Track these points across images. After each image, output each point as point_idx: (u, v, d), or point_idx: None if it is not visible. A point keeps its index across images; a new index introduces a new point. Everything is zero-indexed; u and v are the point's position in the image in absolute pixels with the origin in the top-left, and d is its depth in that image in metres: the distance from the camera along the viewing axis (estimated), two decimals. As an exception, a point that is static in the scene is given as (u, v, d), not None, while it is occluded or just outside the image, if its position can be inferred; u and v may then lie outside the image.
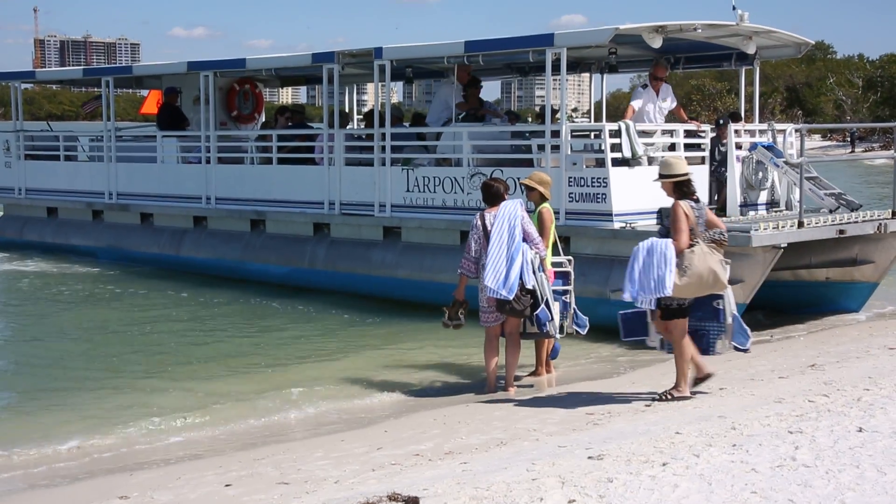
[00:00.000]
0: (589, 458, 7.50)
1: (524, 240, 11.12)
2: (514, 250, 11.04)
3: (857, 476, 6.50)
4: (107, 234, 22.92)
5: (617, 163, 14.76)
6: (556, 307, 11.25)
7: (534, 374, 12.18)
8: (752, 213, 15.65)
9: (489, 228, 11.18)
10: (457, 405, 11.11)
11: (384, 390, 11.97)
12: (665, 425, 8.67)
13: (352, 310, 16.70)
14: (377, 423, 10.52)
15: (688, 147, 15.76)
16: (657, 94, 16.22)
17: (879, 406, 8.53)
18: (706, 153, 15.89)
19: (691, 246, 9.89)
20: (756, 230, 13.55)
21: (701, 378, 10.39)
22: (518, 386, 11.68)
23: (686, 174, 10.29)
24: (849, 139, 71.47)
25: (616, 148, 14.83)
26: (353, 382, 12.33)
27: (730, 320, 10.31)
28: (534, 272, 11.06)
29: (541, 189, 11.77)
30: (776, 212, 15.82)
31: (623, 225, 14.33)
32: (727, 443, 7.58)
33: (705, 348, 10.46)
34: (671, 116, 16.68)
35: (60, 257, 23.00)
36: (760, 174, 15.86)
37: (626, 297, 10.03)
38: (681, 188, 10.20)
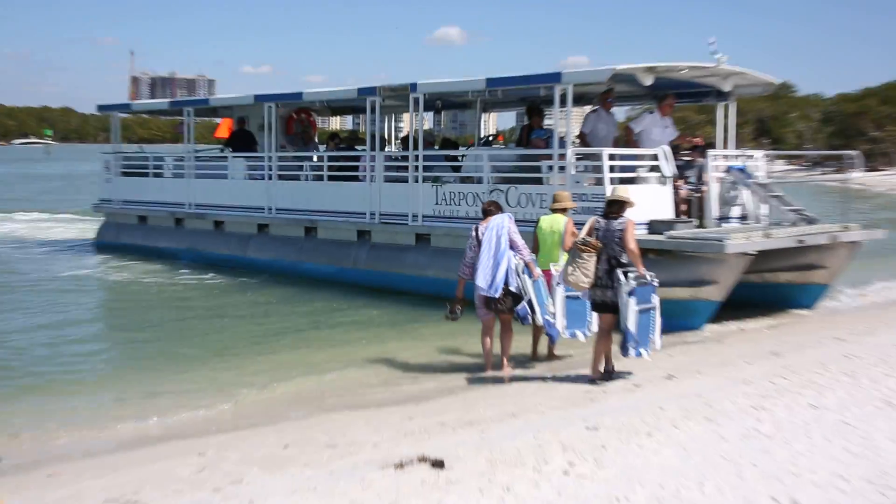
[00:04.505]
0: (586, 428, 7.54)
1: (511, 248, 11.22)
2: (500, 256, 11.13)
3: (809, 444, 6.52)
4: (187, 238, 23.06)
5: (614, 181, 14.77)
6: (553, 305, 11.22)
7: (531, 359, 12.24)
8: (726, 225, 15.60)
9: (481, 238, 11.30)
10: (475, 383, 11.15)
11: (416, 370, 12.01)
12: (650, 402, 8.69)
13: (388, 303, 16.72)
14: (409, 398, 10.54)
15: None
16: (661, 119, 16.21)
17: (828, 387, 8.55)
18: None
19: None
20: (730, 240, 13.55)
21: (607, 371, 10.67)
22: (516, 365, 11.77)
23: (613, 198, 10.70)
24: (808, 164, 71.46)
25: (655, 169, 15.09)
26: (389, 363, 12.36)
27: (631, 328, 10.13)
28: (518, 275, 11.16)
29: (567, 205, 11.91)
30: (747, 224, 15.76)
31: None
32: (702, 416, 7.61)
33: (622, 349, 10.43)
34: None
35: (149, 257, 23.20)
36: (734, 192, 15.81)
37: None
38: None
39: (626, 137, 16.12)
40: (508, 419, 8.71)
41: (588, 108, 20.10)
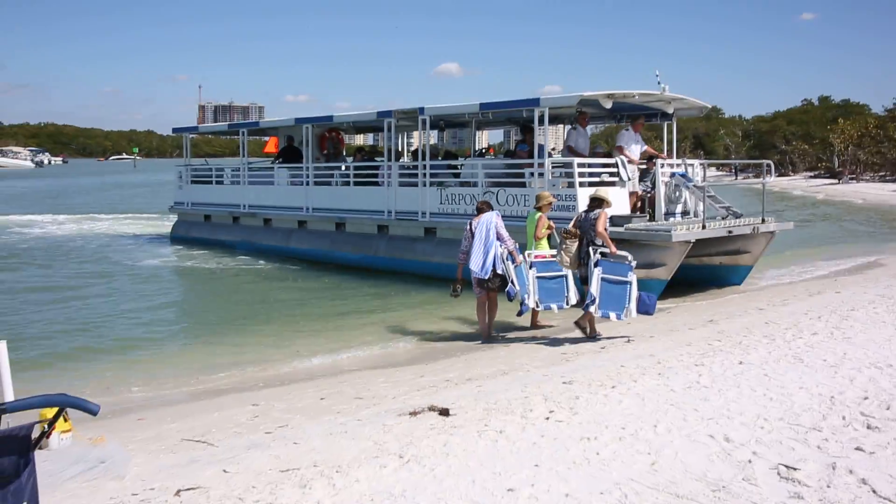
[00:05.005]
0: (563, 383, 7.49)
1: (497, 238, 11.25)
2: (489, 245, 11.21)
3: (738, 393, 6.49)
4: (242, 232, 23.00)
5: (583, 185, 14.71)
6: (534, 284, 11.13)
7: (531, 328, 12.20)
8: (672, 219, 15.54)
9: (474, 231, 11.33)
10: (473, 348, 11.10)
11: (426, 338, 11.98)
12: (614, 361, 8.64)
13: (403, 284, 16.68)
14: (420, 360, 10.51)
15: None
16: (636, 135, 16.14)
17: (753, 347, 8.49)
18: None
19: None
20: (675, 230, 13.52)
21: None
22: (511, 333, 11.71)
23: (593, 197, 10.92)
24: (733, 171, 71.88)
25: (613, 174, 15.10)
26: (404, 332, 12.34)
27: (593, 290, 10.24)
28: (503, 261, 11.20)
29: (543, 204, 11.83)
30: (688, 218, 15.71)
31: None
32: (655, 372, 7.56)
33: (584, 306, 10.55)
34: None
35: (213, 247, 23.17)
36: (677, 193, 15.75)
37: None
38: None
39: (618, 151, 15.98)
40: (501, 376, 8.67)
41: (563, 126, 20.12)
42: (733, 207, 15.72)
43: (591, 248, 10.48)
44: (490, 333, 11.55)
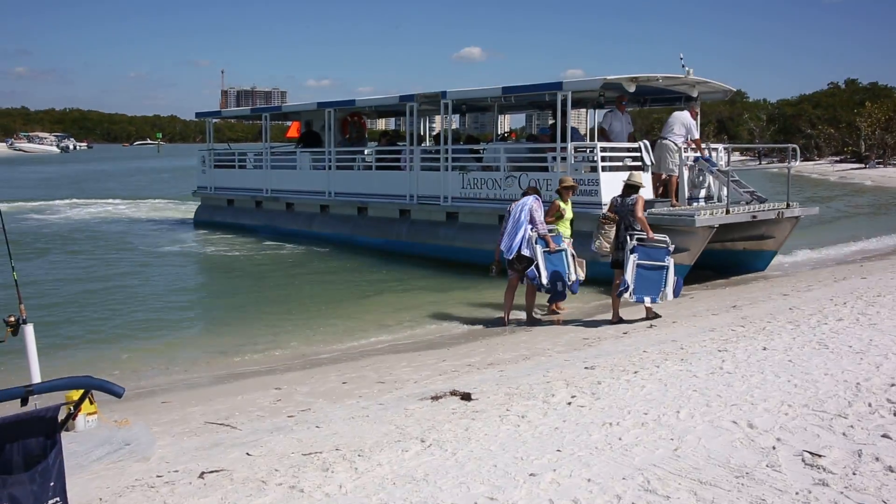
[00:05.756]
0: (585, 368, 7.47)
1: (530, 222, 11.24)
2: (518, 227, 11.25)
3: (762, 379, 6.43)
4: (265, 216, 23.09)
5: (605, 169, 14.62)
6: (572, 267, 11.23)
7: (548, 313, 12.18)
8: (695, 203, 15.42)
9: (511, 212, 11.43)
10: (494, 333, 11.10)
11: (447, 321, 11.98)
12: (636, 346, 8.61)
13: (425, 269, 16.68)
14: (442, 344, 10.51)
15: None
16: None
17: (777, 333, 8.42)
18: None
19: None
20: (699, 215, 13.42)
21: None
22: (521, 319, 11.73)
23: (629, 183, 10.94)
24: (758, 155, 71.07)
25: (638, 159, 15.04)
26: (426, 316, 12.34)
27: (628, 277, 10.37)
28: (531, 244, 11.19)
29: (562, 186, 11.83)
30: (711, 203, 15.57)
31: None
32: (677, 358, 7.52)
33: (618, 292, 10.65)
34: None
35: (236, 231, 23.28)
36: (701, 178, 15.62)
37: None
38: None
39: (600, 133, 15.93)
40: (522, 361, 8.66)
41: (587, 110, 20.00)
42: (758, 192, 15.57)
43: (628, 234, 10.57)
44: (531, 316, 11.57)
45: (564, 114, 15.37)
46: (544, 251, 11.12)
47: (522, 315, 11.69)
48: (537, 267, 11.09)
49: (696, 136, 15.31)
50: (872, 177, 53.10)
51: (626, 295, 10.44)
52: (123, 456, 5.68)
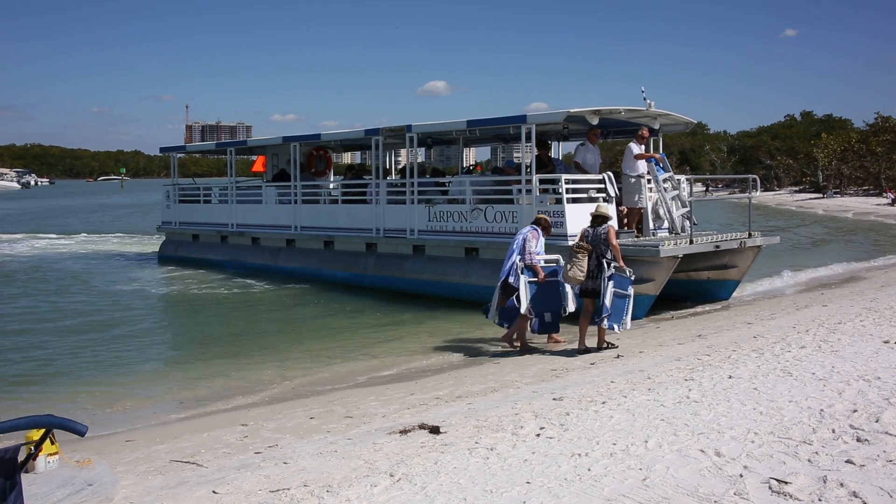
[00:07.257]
0: (553, 399, 7.47)
1: (520, 252, 11.40)
2: (511, 255, 11.48)
3: (728, 407, 6.48)
4: (230, 251, 22.91)
5: (570, 200, 14.73)
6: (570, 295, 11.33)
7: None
8: (659, 234, 15.58)
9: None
10: (462, 365, 11.07)
11: (415, 354, 11.93)
12: (603, 376, 8.63)
13: (390, 303, 16.64)
14: (410, 377, 10.46)
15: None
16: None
17: (742, 361, 8.50)
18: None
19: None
20: (663, 245, 13.55)
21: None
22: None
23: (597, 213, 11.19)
24: (706, 187, 72.30)
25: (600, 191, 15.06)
26: (394, 349, 12.29)
27: (607, 303, 10.64)
28: (515, 273, 11.29)
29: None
30: (674, 234, 15.73)
31: (573, 241, 14.21)
32: (645, 388, 7.55)
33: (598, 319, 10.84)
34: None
35: (201, 266, 23.05)
36: (661, 210, 15.75)
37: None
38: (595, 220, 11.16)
39: (575, 167, 16.03)
40: (490, 393, 8.64)
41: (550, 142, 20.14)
42: (691, 212, 15.55)
43: (604, 262, 10.77)
44: (523, 344, 11.58)
45: (547, 145, 15.52)
46: (529, 281, 11.16)
47: (570, 346, 11.56)
48: (517, 297, 11.16)
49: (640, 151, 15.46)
50: (827, 206, 54.12)
51: (604, 323, 10.57)
52: (85, 497, 5.55)
